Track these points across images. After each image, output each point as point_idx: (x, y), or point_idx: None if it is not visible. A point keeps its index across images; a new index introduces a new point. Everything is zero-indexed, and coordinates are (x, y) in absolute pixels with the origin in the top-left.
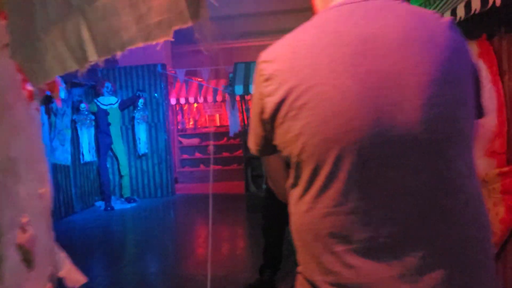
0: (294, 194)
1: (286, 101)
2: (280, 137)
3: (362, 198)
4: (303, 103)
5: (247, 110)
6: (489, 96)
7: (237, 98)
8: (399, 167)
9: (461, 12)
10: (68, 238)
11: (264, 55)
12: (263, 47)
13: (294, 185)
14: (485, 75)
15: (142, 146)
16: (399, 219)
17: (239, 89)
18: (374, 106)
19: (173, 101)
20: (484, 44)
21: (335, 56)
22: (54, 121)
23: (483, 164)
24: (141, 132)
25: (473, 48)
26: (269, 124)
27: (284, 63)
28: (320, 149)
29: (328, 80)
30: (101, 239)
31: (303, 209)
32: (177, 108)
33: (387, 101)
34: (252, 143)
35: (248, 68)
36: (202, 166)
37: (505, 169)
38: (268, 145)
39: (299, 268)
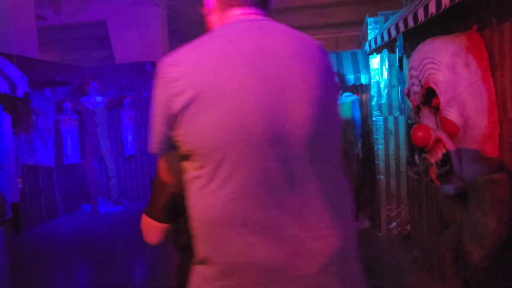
0: (196, 186)
1: (192, 100)
2: (184, 134)
3: (259, 185)
4: (208, 102)
5: None
6: (479, 94)
7: None
8: (287, 158)
9: (432, 8)
10: (49, 243)
11: (169, 60)
12: None
13: (197, 177)
14: (475, 70)
15: (130, 147)
16: (287, 203)
17: None
18: (269, 106)
19: None
20: (474, 37)
21: (236, 62)
22: (35, 121)
23: (472, 169)
24: (129, 133)
25: (462, 41)
26: (175, 121)
27: (190, 67)
28: (223, 143)
29: (230, 82)
30: (81, 244)
31: (209, 198)
32: None
33: (280, 102)
34: (154, 142)
35: None
36: None
37: (497, 175)
38: (169, 143)
39: (198, 259)
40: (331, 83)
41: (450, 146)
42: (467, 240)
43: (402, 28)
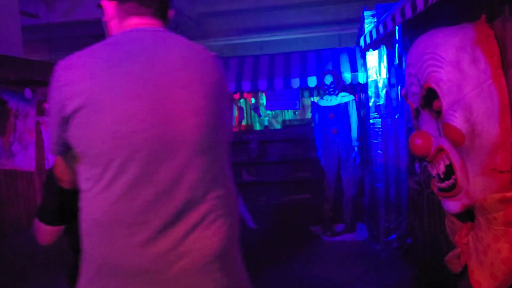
0: (86, 187)
1: (83, 105)
2: (75, 136)
3: (144, 188)
4: (97, 108)
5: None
6: (488, 95)
7: None
8: (173, 164)
9: None
10: (27, 252)
11: (63, 63)
12: (265, 43)
13: (87, 179)
14: (484, 68)
15: None
16: (172, 206)
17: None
18: (156, 114)
19: None
20: (482, 28)
21: (127, 70)
22: (14, 124)
23: (480, 184)
24: None
25: (468, 33)
26: (67, 124)
27: (82, 72)
28: (110, 147)
29: (120, 90)
30: (63, 254)
31: (96, 200)
32: None
33: (167, 111)
34: (52, 143)
35: (227, 64)
36: None
37: (510, 194)
38: (64, 144)
39: (84, 258)
40: (222, 94)
41: (454, 156)
42: (475, 267)
43: (399, 19)
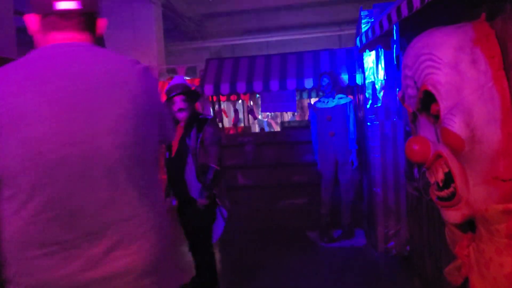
0: (2, 208)
1: None
2: None
3: (59, 208)
4: (10, 127)
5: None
6: (490, 98)
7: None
8: (89, 183)
9: None
10: None
11: None
12: (265, 44)
13: (4, 199)
14: (484, 69)
15: None
16: (90, 225)
17: (209, 89)
18: (68, 134)
19: None
20: (482, 27)
21: (41, 90)
22: None
23: (482, 194)
24: None
25: (468, 32)
26: None
27: None
28: (23, 168)
29: (33, 109)
30: None
31: (12, 220)
32: None
33: (80, 130)
34: None
35: (221, 65)
36: None
37: None
38: None
39: (5, 279)
40: (148, 109)
41: (454, 164)
42: (476, 281)
43: (395, 18)
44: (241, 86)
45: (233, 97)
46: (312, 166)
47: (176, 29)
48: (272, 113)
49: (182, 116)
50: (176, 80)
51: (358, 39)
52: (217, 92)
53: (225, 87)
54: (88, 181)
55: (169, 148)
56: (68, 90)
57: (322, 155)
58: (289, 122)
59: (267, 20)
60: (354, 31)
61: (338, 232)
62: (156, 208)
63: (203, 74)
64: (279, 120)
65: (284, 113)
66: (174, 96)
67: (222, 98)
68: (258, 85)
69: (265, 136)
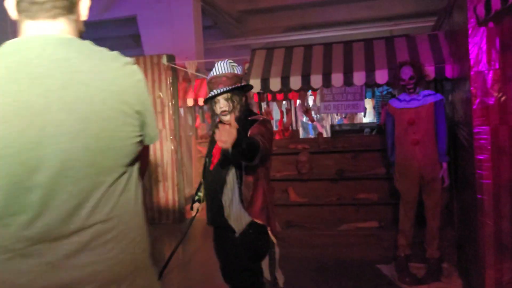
0: None
1: None
2: None
3: (17, 213)
4: None
5: (289, 109)
6: None
7: (255, 96)
8: (46, 190)
9: None
10: None
11: None
12: (309, 41)
13: None
14: None
15: None
16: (53, 231)
17: (255, 85)
18: (25, 138)
19: (190, 102)
20: None
21: (2, 90)
22: None
23: None
24: None
25: None
26: None
27: None
28: None
29: None
30: None
31: None
32: (196, 110)
33: (37, 134)
34: None
35: (271, 56)
36: None
37: None
38: None
39: None
40: (126, 109)
41: None
42: None
43: None
44: (295, 82)
45: (279, 96)
46: (384, 181)
47: (215, 26)
48: (319, 115)
49: (228, 119)
50: (219, 68)
51: (475, 8)
52: (265, 88)
53: (275, 83)
54: (46, 188)
55: (208, 155)
56: (29, 91)
57: (402, 169)
58: (339, 125)
59: (312, 17)
60: (407, 25)
61: (420, 267)
62: (129, 214)
63: (248, 67)
64: (325, 123)
65: (335, 115)
66: (214, 97)
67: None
68: (316, 80)
69: (323, 142)
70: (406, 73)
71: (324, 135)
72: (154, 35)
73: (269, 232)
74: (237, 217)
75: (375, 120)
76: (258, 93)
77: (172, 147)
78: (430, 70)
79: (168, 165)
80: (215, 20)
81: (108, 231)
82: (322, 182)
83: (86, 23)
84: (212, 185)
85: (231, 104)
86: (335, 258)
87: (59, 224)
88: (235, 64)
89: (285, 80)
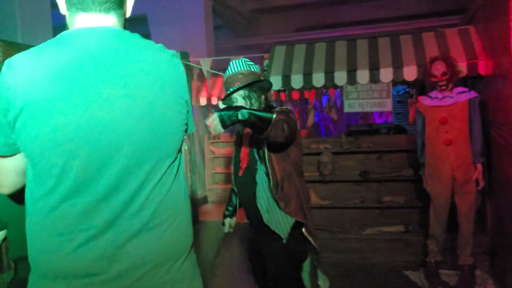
0: (29, 192)
1: (25, 110)
2: (20, 141)
3: (86, 196)
4: (35, 114)
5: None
6: None
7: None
8: (112, 172)
9: None
10: None
11: (9, 62)
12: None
13: (31, 184)
14: None
15: None
16: (111, 210)
17: (276, 82)
18: (94, 121)
19: (203, 101)
20: None
21: (69, 76)
22: None
23: None
24: None
25: None
26: (12, 127)
27: (23, 74)
28: (49, 154)
29: (59, 96)
30: None
31: (39, 205)
32: (209, 110)
33: (106, 118)
34: None
35: (292, 52)
36: None
37: None
38: (9, 144)
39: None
40: (174, 98)
41: None
42: None
43: None
44: (318, 79)
45: (295, 95)
46: (410, 183)
47: (225, 26)
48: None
49: None
50: (234, 66)
51: None
52: (286, 85)
53: (297, 80)
54: (112, 169)
55: (236, 161)
56: (94, 78)
57: (433, 171)
58: (356, 125)
59: (325, 16)
60: (422, 25)
61: (451, 274)
62: (178, 198)
63: (268, 63)
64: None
65: (370, 113)
66: (231, 94)
67: (294, 94)
68: (341, 77)
69: (347, 143)
70: (438, 68)
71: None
72: (164, 34)
73: (307, 233)
74: (278, 220)
75: (392, 120)
76: (278, 91)
77: (186, 147)
78: (462, 66)
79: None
80: (226, 20)
81: (164, 212)
82: (344, 184)
83: None
84: (244, 191)
85: (248, 102)
86: (359, 263)
87: (123, 206)
88: (251, 63)
89: (307, 77)
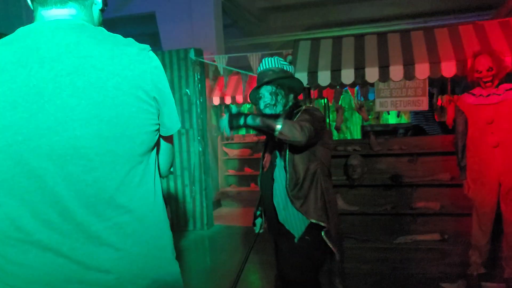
0: None
1: None
2: None
3: (42, 202)
4: None
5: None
6: None
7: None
8: (56, 179)
9: None
10: None
11: None
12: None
13: None
14: None
15: None
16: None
17: (301, 79)
18: (35, 124)
19: (216, 100)
20: None
21: (12, 75)
22: None
23: None
24: None
25: None
26: None
27: None
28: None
29: (5, 96)
30: None
31: None
32: (223, 109)
33: (49, 120)
34: None
35: (317, 47)
36: (253, 185)
37: None
38: None
39: None
40: (138, 97)
41: None
42: None
43: None
44: (347, 75)
45: (326, 93)
46: (446, 188)
47: (234, 25)
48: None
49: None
50: (266, 62)
51: None
52: (313, 82)
53: (324, 77)
54: (56, 177)
55: (261, 160)
56: (40, 77)
57: (477, 175)
58: (371, 126)
59: (334, 14)
60: (435, 23)
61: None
62: (144, 211)
63: (291, 59)
64: (348, 123)
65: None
66: (258, 88)
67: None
68: (372, 74)
69: (377, 145)
70: (483, 63)
71: (349, 137)
72: (173, 32)
73: (326, 237)
74: (294, 219)
75: (410, 121)
76: (305, 89)
77: (200, 149)
78: (506, 62)
79: (196, 168)
80: (235, 18)
81: (127, 225)
82: (374, 189)
83: (103, 20)
84: (265, 188)
85: (274, 98)
86: (390, 274)
87: (77, 216)
88: (284, 62)
89: (335, 74)
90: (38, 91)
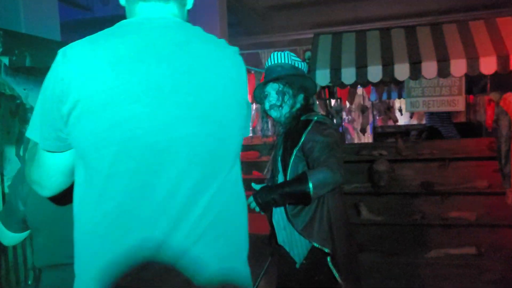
0: (81, 192)
1: (80, 103)
2: (73, 136)
3: (139, 199)
4: (94, 107)
5: (339, 110)
6: None
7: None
8: (169, 174)
9: None
10: None
11: (65, 50)
12: None
13: (82, 183)
14: None
15: None
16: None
17: (322, 77)
18: (154, 119)
19: None
20: None
21: (129, 69)
22: None
23: None
24: None
25: None
26: (65, 121)
27: (80, 64)
28: (103, 152)
29: (118, 90)
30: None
31: (91, 208)
32: None
33: (167, 116)
34: (43, 138)
35: (339, 42)
36: None
37: None
38: (61, 140)
39: None
40: (237, 99)
41: None
42: None
43: None
44: (374, 72)
45: (343, 92)
46: (483, 197)
47: (238, 24)
48: (350, 116)
49: (276, 116)
50: (274, 57)
51: None
52: (336, 80)
53: (349, 74)
54: (169, 172)
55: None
56: (157, 72)
57: None
58: (382, 127)
59: (340, 13)
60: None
61: None
62: (235, 209)
63: (311, 55)
64: (356, 125)
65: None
66: (264, 84)
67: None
68: (402, 70)
69: (405, 149)
70: None
71: (356, 140)
72: None
73: (332, 265)
74: (295, 241)
75: (423, 122)
76: (327, 88)
77: None
78: None
79: None
80: (238, 17)
81: (221, 223)
82: (401, 197)
83: (104, 18)
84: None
85: (281, 98)
86: None
87: (180, 216)
88: (296, 58)
89: (361, 71)
90: (158, 87)
